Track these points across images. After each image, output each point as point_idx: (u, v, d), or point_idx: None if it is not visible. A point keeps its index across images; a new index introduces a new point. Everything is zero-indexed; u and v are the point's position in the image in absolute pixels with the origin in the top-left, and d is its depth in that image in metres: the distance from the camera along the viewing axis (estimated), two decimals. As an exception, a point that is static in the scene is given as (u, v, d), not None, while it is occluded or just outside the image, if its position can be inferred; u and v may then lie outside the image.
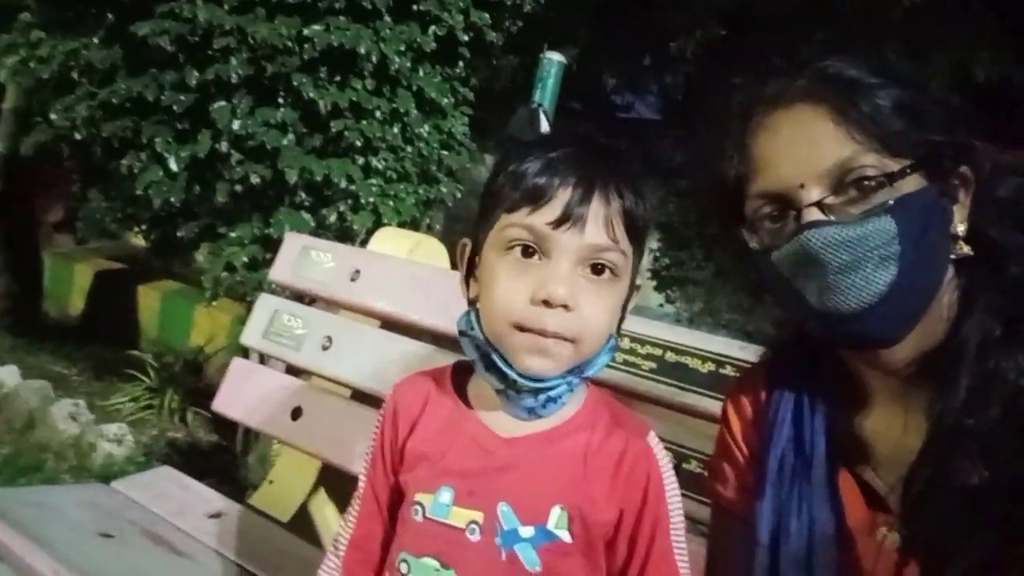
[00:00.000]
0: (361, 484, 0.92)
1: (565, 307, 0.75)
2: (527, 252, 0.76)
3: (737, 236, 0.83)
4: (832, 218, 0.75)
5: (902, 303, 0.74)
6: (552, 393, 0.80)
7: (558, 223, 0.75)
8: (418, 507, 0.82)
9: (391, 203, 3.10)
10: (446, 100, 3.29)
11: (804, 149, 0.77)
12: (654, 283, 7.25)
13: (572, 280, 0.75)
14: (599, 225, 0.76)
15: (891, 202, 0.73)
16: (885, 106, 0.75)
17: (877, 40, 4.24)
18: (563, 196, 0.75)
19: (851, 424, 0.87)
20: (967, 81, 4.01)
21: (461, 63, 3.41)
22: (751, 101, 0.83)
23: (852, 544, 0.82)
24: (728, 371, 1.26)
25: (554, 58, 3.44)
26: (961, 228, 0.78)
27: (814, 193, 0.75)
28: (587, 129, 0.86)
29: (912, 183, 0.75)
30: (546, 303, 0.74)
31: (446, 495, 0.81)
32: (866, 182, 0.74)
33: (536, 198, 0.75)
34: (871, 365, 0.83)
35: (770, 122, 0.80)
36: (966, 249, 0.78)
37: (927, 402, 0.76)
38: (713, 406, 1.22)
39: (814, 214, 0.75)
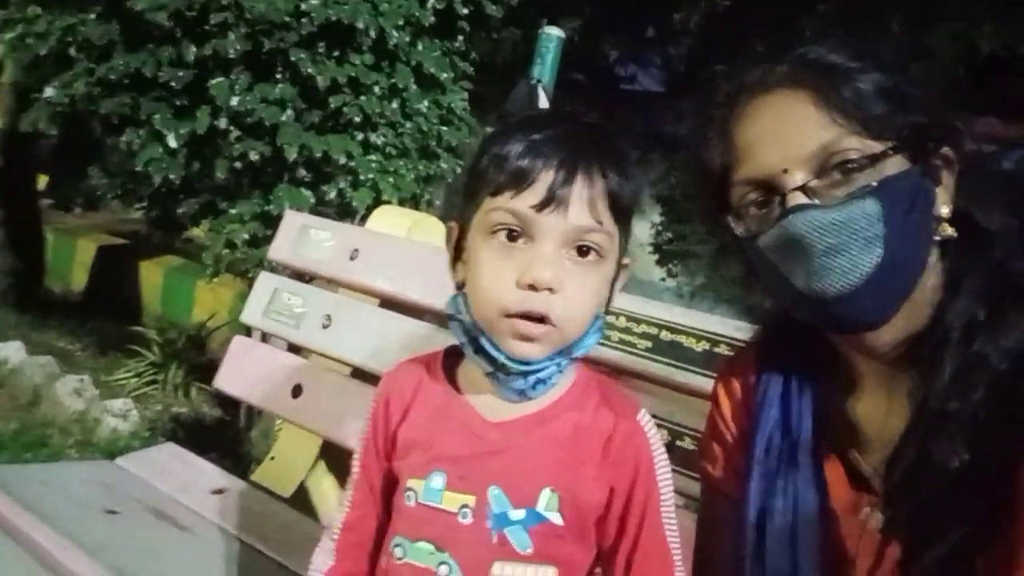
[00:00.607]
0: (355, 470, 0.93)
1: (550, 290, 0.75)
2: (512, 236, 0.76)
3: (725, 224, 0.83)
4: (816, 201, 0.75)
5: (888, 285, 0.75)
6: (541, 375, 0.80)
7: (542, 206, 0.74)
8: (411, 493, 0.83)
9: (391, 179, 3.10)
10: (445, 75, 3.27)
11: (786, 134, 0.77)
12: (656, 257, 7.25)
13: (557, 263, 0.75)
14: (583, 206, 0.75)
15: (874, 184, 0.74)
16: (867, 90, 0.75)
17: (880, 12, 4.19)
18: (546, 178, 0.74)
19: (837, 406, 0.88)
20: (971, 54, 3.97)
21: (460, 37, 3.38)
22: (733, 89, 0.83)
23: (836, 524, 0.83)
24: (722, 350, 1.27)
25: (553, 33, 3.40)
26: (945, 210, 0.78)
27: (798, 177, 0.76)
28: (578, 106, 0.85)
29: (895, 165, 0.75)
30: (532, 287, 0.74)
31: (438, 480, 0.82)
32: (849, 165, 0.74)
33: (519, 181, 0.75)
34: (857, 349, 0.84)
35: (752, 109, 0.81)
36: (950, 231, 0.78)
37: (912, 385, 0.77)
38: (707, 384, 1.22)
39: (798, 198, 0.75)
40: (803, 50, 0.79)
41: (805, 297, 0.77)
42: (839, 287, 0.74)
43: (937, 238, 0.78)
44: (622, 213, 0.80)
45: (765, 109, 0.79)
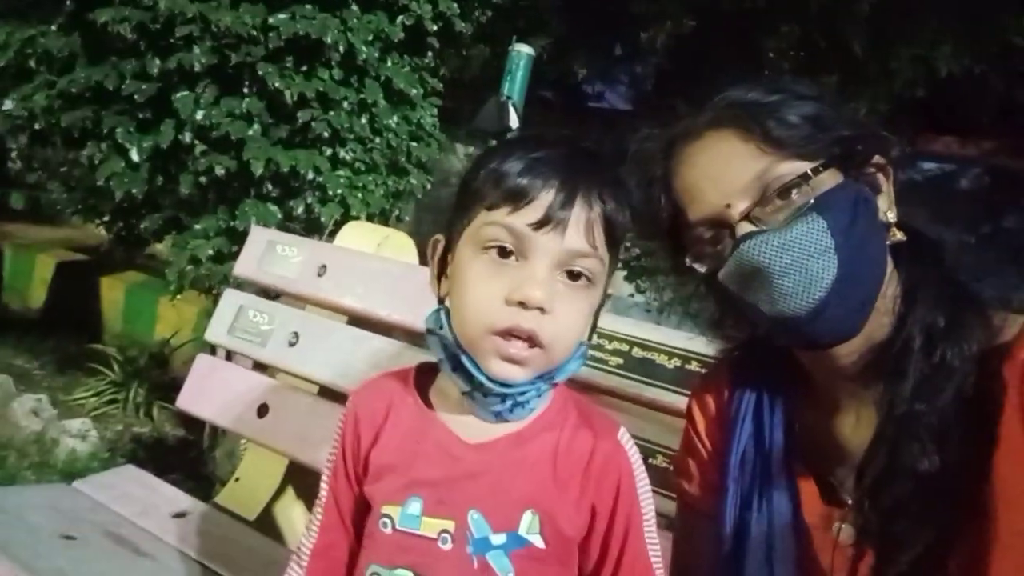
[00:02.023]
0: (323, 492, 0.90)
1: (541, 310, 0.73)
2: (504, 253, 0.74)
3: (688, 268, 0.85)
4: (763, 227, 0.77)
5: (852, 293, 0.77)
6: (520, 398, 0.79)
7: (539, 225, 0.73)
8: (387, 520, 0.80)
9: (359, 195, 3.07)
10: (415, 90, 3.26)
11: (720, 172, 0.80)
12: (624, 273, 7.29)
13: (549, 283, 0.74)
14: (580, 230, 0.74)
15: (812, 200, 0.76)
16: (787, 118, 0.78)
17: (841, 34, 4.29)
18: (545, 198, 0.73)
19: (807, 420, 0.89)
20: (930, 75, 4.07)
21: (430, 53, 3.38)
22: (665, 144, 0.87)
23: (810, 539, 0.84)
24: (694, 366, 1.28)
25: (523, 50, 3.42)
26: (891, 215, 0.81)
27: (741, 208, 0.79)
28: (567, 128, 0.85)
29: (830, 179, 0.78)
30: (522, 305, 0.73)
31: (415, 506, 0.79)
32: (786, 187, 0.77)
33: (518, 198, 0.73)
34: (822, 365, 0.85)
35: (685, 156, 0.84)
36: (899, 235, 0.81)
37: (878, 395, 0.78)
38: (679, 401, 1.23)
39: (746, 227, 0.78)
40: (721, 96, 0.84)
41: (776, 321, 0.78)
42: (805, 304, 0.75)
43: (889, 243, 0.81)
44: (616, 240, 0.79)
45: (697, 154, 0.83)
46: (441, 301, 0.83)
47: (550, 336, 0.74)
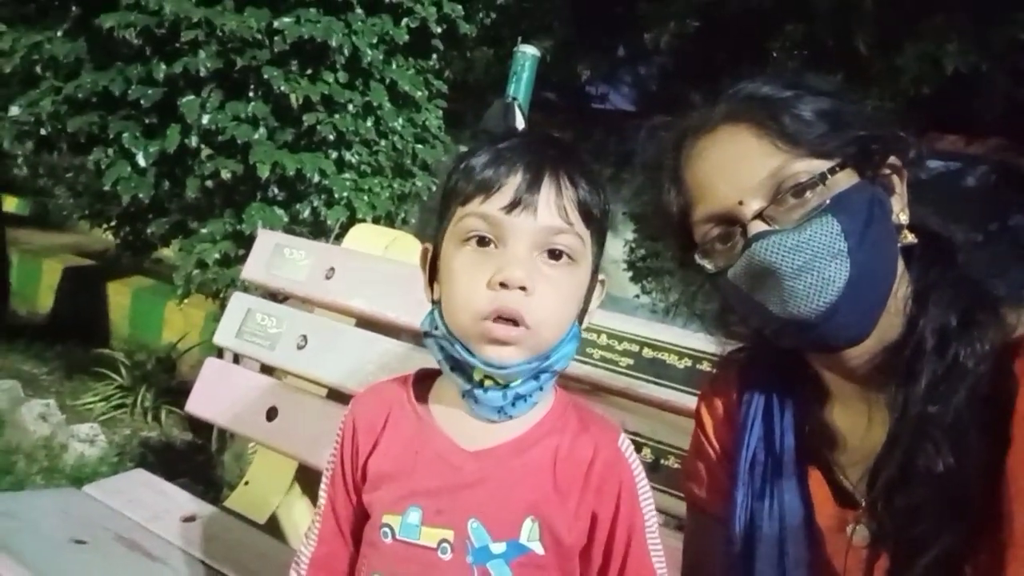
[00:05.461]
0: (321, 501, 0.90)
1: (523, 289, 0.74)
2: (483, 242, 0.76)
3: (694, 263, 0.84)
4: (776, 227, 0.76)
5: (863, 297, 0.75)
6: (520, 391, 0.78)
7: (510, 208, 0.74)
8: (387, 529, 0.80)
9: (365, 197, 3.07)
10: (420, 93, 3.26)
11: (734, 167, 0.79)
12: (630, 274, 7.28)
13: (529, 264, 0.75)
14: (551, 208, 0.75)
15: (828, 201, 0.75)
16: (803, 115, 0.77)
17: (846, 32, 4.28)
18: (513, 181, 0.75)
19: (819, 421, 0.88)
20: (936, 73, 4.04)
21: (434, 55, 3.39)
22: (677, 136, 0.86)
23: (822, 542, 0.83)
24: (704, 367, 1.27)
25: (528, 51, 3.42)
26: (903, 217, 0.80)
27: (754, 206, 0.77)
28: (551, 125, 0.86)
29: (845, 180, 0.77)
30: (503, 286, 0.73)
31: (414, 516, 0.79)
32: (800, 187, 0.76)
33: (487, 186, 0.75)
34: (831, 367, 0.84)
35: (698, 150, 0.83)
36: (911, 237, 0.80)
37: (890, 397, 0.77)
38: (690, 401, 1.22)
39: (758, 226, 0.77)
40: (736, 88, 0.82)
41: (785, 322, 0.77)
42: (815, 306, 0.74)
43: (900, 245, 0.80)
44: (592, 218, 0.79)
45: (710, 147, 0.82)
46: (435, 304, 0.84)
47: (536, 317, 0.74)
